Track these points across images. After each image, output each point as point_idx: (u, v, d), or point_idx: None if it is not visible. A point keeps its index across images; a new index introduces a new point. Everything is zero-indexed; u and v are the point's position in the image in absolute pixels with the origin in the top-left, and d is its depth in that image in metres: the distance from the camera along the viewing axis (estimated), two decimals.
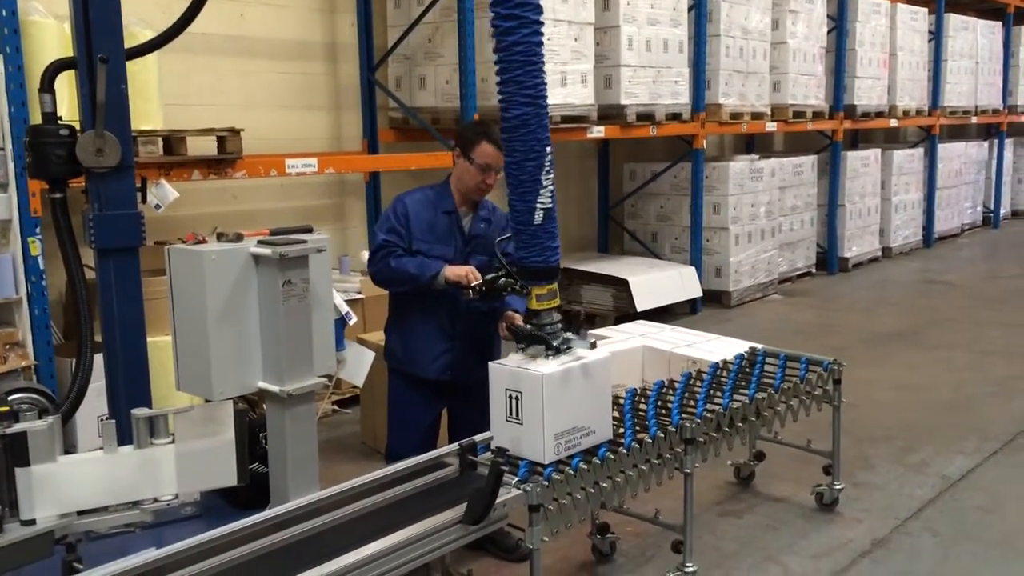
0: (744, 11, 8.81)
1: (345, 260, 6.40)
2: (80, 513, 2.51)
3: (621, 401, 3.76)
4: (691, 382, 4.05)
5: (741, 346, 5.40)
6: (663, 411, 3.66)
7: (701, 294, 8.51)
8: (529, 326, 3.16)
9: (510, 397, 3.07)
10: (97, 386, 3.53)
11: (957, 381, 6.36)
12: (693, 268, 8.51)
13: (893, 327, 8.02)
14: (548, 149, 3.07)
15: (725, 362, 4.29)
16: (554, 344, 3.09)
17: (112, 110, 3.37)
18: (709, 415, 3.56)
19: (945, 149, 12.94)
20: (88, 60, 3.34)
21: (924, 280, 10.40)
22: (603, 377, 3.24)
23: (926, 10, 12.12)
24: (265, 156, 5.86)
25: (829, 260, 10.66)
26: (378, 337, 5.24)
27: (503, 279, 3.31)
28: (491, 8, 3.02)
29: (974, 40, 13.32)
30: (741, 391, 3.90)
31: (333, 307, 2.89)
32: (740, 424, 3.69)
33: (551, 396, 3.00)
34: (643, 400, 3.81)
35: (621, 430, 3.47)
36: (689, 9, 8.29)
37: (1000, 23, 14.09)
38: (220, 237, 2.67)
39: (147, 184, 4.93)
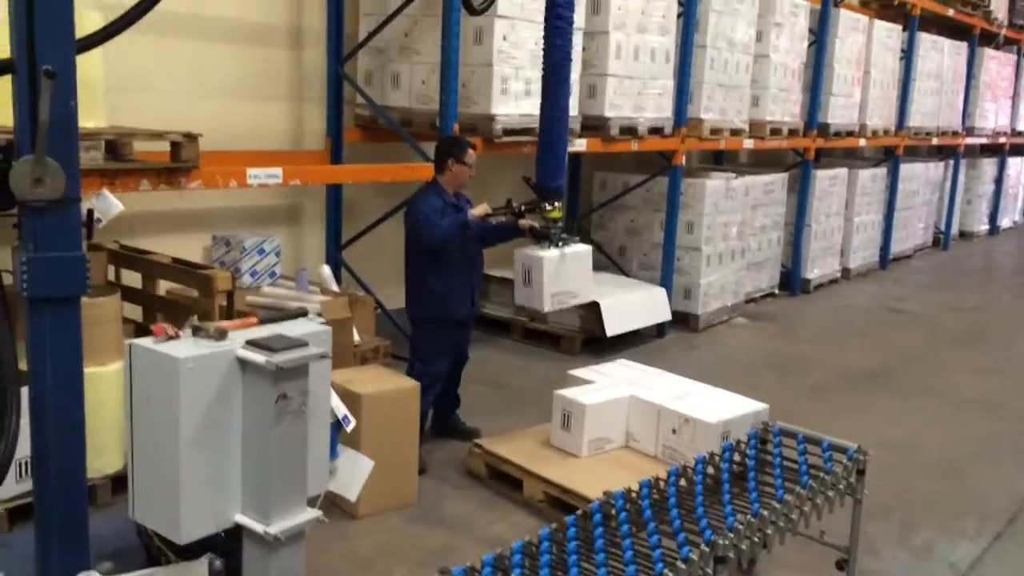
0: (731, 22, 8.37)
1: (302, 274, 5.80)
2: None
3: (634, 495, 3.33)
4: (706, 467, 3.64)
5: (734, 401, 5.03)
6: (683, 511, 3.24)
7: (670, 318, 8.12)
8: (542, 228, 4.96)
9: (525, 270, 4.94)
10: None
11: (940, 439, 6.11)
12: (663, 290, 8.10)
13: (865, 365, 7.76)
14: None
15: (738, 442, 3.88)
16: (555, 240, 4.92)
17: (57, 132, 2.76)
18: (741, 525, 3.14)
19: (905, 170, 12.81)
20: (30, 71, 2.72)
21: (886, 308, 10.21)
22: (586, 260, 5.15)
23: (900, 27, 11.90)
24: (223, 157, 5.24)
25: (792, 281, 10.39)
26: (343, 378, 4.70)
27: (523, 205, 5.02)
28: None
29: (941, 61, 13.18)
30: (765, 486, 3.49)
31: (330, 412, 2.35)
32: (768, 533, 3.27)
33: (548, 269, 4.87)
34: (656, 492, 3.39)
35: (643, 535, 3.05)
36: (678, 16, 7.84)
37: (965, 44, 13.99)
38: (197, 332, 2.10)
39: (88, 197, 4.29)
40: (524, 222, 5.08)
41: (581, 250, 5.12)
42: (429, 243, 4.94)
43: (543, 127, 5.06)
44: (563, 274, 4.95)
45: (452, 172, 5.10)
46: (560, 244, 4.95)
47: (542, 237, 4.97)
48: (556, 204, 4.96)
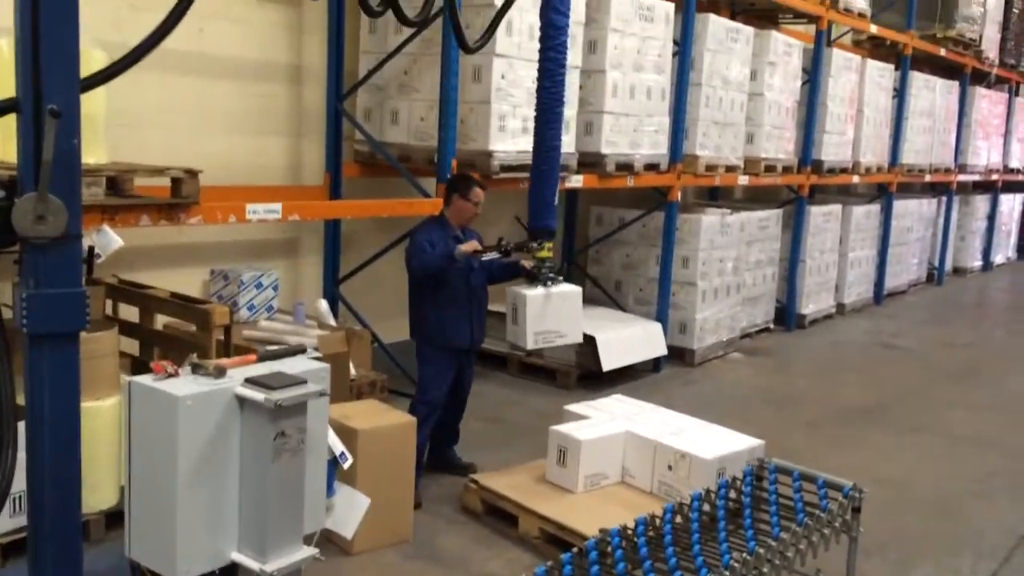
0: (726, 61, 8.49)
1: (300, 308, 5.82)
2: None
3: (630, 532, 3.33)
4: (702, 504, 3.65)
5: (730, 437, 5.04)
6: (679, 548, 3.24)
7: (666, 352, 8.14)
8: (533, 268, 5.10)
9: (512, 307, 5.05)
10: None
11: (935, 475, 6.11)
12: (659, 325, 8.13)
13: (860, 401, 7.78)
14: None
15: (734, 479, 3.89)
16: (543, 280, 5.04)
17: (60, 170, 2.79)
18: (737, 563, 3.15)
19: (899, 206, 12.90)
20: (35, 110, 2.75)
21: (880, 344, 10.25)
22: (573, 301, 5.22)
23: (892, 67, 12.05)
24: (223, 192, 5.30)
25: (787, 317, 10.43)
26: (339, 412, 4.71)
27: (513, 244, 5.11)
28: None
29: (933, 99, 13.33)
30: (761, 523, 3.50)
31: (327, 449, 2.36)
32: (764, 571, 3.28)
33: (532, 308, 4.98)
34: (652, 529, 3.39)
35: (638, 572, 3.05)
36: (673, 55, 7.94)
37: (957, 82, 14.16)
38: (196, 369, 2.13)
39: (88, 233, 4.32)
40: (526, 261, 5.20)
41: (569, 290, 5.21)
42: (415, 271, 5.15)
43: (534, 168, 5.17)
44: (549, 313, 5.06)
45: (455, 207, 5.30)
46: (548, 284, 5.06)
47: (532, 276, 5.11)
48: (546, 244, 5.07)
